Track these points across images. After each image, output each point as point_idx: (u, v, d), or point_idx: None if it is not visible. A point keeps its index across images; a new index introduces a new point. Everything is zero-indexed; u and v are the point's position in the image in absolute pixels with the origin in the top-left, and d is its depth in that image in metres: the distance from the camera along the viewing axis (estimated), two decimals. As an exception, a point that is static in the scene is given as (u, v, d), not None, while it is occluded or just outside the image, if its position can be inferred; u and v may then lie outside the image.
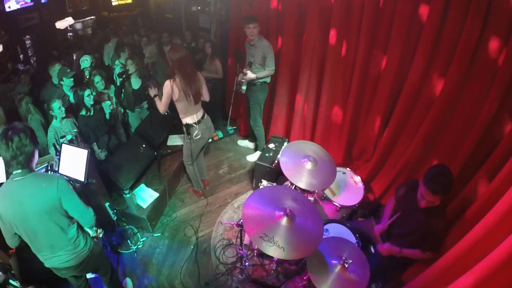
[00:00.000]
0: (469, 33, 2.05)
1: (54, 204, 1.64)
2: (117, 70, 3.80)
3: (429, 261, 1.89)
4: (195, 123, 2.80)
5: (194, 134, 2.82)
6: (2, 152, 1.54)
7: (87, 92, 3.19)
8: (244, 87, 3.41)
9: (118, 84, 3.79)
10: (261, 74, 3.35)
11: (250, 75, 3.29)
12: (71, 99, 3.50)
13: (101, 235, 2.03)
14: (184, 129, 2.86)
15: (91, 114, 3.28)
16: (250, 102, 3.64)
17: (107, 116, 3.43)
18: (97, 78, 3.48)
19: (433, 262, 1.81)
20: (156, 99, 2.73)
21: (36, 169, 2.43)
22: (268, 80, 3.50)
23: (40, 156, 3.12)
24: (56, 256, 1.80)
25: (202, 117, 2.87)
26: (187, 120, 2.79)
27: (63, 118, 2.98)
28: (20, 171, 1.58)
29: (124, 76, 3.46)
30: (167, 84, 2.57)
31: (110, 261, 2.27)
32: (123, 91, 3.67)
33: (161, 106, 2.68)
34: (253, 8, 3.67)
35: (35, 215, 1.62)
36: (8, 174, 2.23)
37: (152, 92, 2.75)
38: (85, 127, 3.24)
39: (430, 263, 1.83)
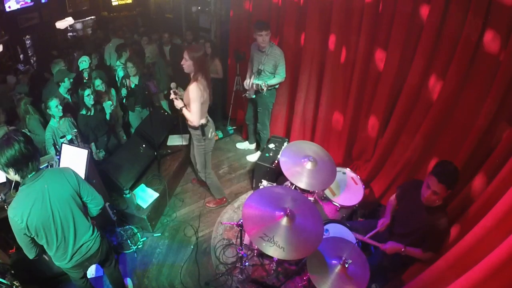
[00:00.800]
0: (469, 33, 2.05)
1: (75, 190, 1.78)
2: (119, 70, 3.80)
3: (430, 261, 1.90)
4: (208, 121, 2.72)
5: (209, 132, 2.72)
6: (16, 157, 1.53)
7: (87, 92, 3.19)
8: (253, 96, 3.39)
9: (119, 85, 3.79)
10: (272, 82, 3.32)
11: (264, 86, 3.23)
12: (70, 99, 3.50)
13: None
14: (199, 132, 2.67)
15: (92, 113, 3.28)
16: (259, 107, 3.62)
17: (108, 117, 3.43)
18: (98, 82, 3.48)
19: (433, 262, 1.81)
20: (184, 110, 2.52)
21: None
22: (277, 86, 3.47)
23: (40, 155, 3.14)
24: (83, 244, 1.88)
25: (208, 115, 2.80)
26: (202, 121, 2.62)
27: (61, 117, 2.97)
28: (34, 173, 1.64)
29: (130, 92, 3.50)
30: (195, 88, 2.38)
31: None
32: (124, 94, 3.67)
33: (195, 116, 2.45)
34: (253, 8, 3.66)
35: (65, 203, 1.74)
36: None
37: (179, 104, 2.51)
38: (85, 126, 3.24)
39: (430, 263, 1.84)
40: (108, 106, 3.38)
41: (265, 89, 3.25)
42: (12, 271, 2.26)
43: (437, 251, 1.93)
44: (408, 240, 2.08)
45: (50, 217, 1.69)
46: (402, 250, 2.05)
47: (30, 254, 1.77)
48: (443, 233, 1.94)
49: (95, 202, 1.91)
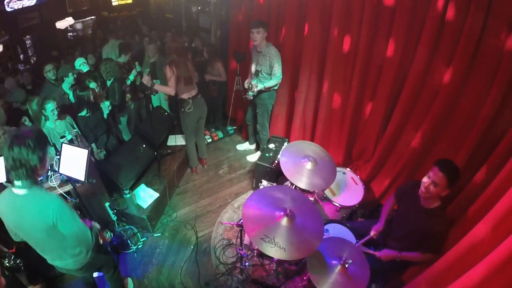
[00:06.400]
0: (472, 24, 2.02)
1: (50, 226, 1.57)
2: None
3: (429, 263, 1.89)
4: (189, 98, 3.24)
5: (187, 108, 3.27)
6: (4, 159, 1.47)
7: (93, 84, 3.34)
8: (251, 94, 3.38)
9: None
10: (268, 84, 3.29)
11: (259, 87, 3.26)
12: (71, 97, 3.50)
13: (110, 239, 2.02)
14: (179, 103, 3.31)
15: (90, 114, 3.28)
16: (258, 109, 3.61)
17: (105, 116, 3.43)
18: (93, 85, 3.46)
19: (433, 262, 1.81)
20: (158, 86, 3.18)
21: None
22: (276, 87, 3.45)
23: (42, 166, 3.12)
24: (56, 260, 1.82)
25: (195, 95, 3.29)
26: (182, 96, 3.23)
27: (55, 120, 2.97)
28: (19, 183, 1.49)
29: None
30: (167, 68, 3.06)
31: (113, 258, 2.28)
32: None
33: (168, 88, 3.12)
34: (254, 7, 3.66)
35: (33, 232, 1.61)
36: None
37: (147, 81, 3.07)
38: (85, 127, 3.24)
39: (430, 264, 1.83)
40: (106, 106, 3.37)
41: (255, 89, 3.24)
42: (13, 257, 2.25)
43: (437, 252, 1.91)
44: (404, 243, 2.06)
45: (21, 232, 1.62)
46: (397, 256, 2.04)
47: (13, 238, 1.73)
48: (442, 234, 1.92)
49: (79, 243, 1.71)
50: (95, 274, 2.62)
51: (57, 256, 1.78)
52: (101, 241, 1.93)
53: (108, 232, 2.00)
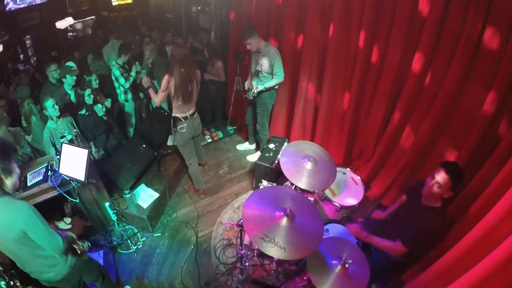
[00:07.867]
0: (472, 25, 2.02)
1: (21, 234, 1.61)
2: (114, 70, 3.79)
3: (395, 253, 1.91)
4: (184, 118, 2.90)
5: (179, 127, 2.94)
6: None
7: (87, 92, 3.20)
8: (251, 95, 3.36)
9: (115, 84, 3.81)
10: (269, 83, 3.28)
11: (259, 88, 3.24)
12: (72, 97, 3.50)
13: (87, 248, 1.97)
14: (172, 120, 2.98)
15: (90, 113, 3.28)
16: (258, 108, 3.60)
17: (103, 117, 3.43)
18: (93, 77, 3.48)
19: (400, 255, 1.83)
20: (151, 91, 2.82)
21: (36, 170, 2.45)
22: (277, 87, 3.43)
23: (40, 156, 3.11)
24: (37, 274, 1.82)
25: (192, 114, 2.95)
26: (176, 114, 2.90)
27: (58, 117, 2.95)
28: None
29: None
30: (165, 78, 2.67)
31: (99, 266, 2.25)
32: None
33: (157, 98, 2.79)
34: (253, 8, 3.66)
35: (5, 240, 1.64)
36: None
37: (146, 82, 2.85)
38: (84, 126, 3.24)
39: (395, 254, 1.86)
40: (99, 109, 3.37)
41: (255, 90, 3.23)
42: (12, 271, 2.25)
43: (407, 245, 1.87)
44: (398, 234, 2.00)
45: None
46: (364, 236, 2.09)
47: None
48: (428, 231, 1.85)
49: (50, 250, 1.72)
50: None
51: (37, 271, 1.80)
52: (78, 251, 1.92)
53: (86, 242, 1.96)
